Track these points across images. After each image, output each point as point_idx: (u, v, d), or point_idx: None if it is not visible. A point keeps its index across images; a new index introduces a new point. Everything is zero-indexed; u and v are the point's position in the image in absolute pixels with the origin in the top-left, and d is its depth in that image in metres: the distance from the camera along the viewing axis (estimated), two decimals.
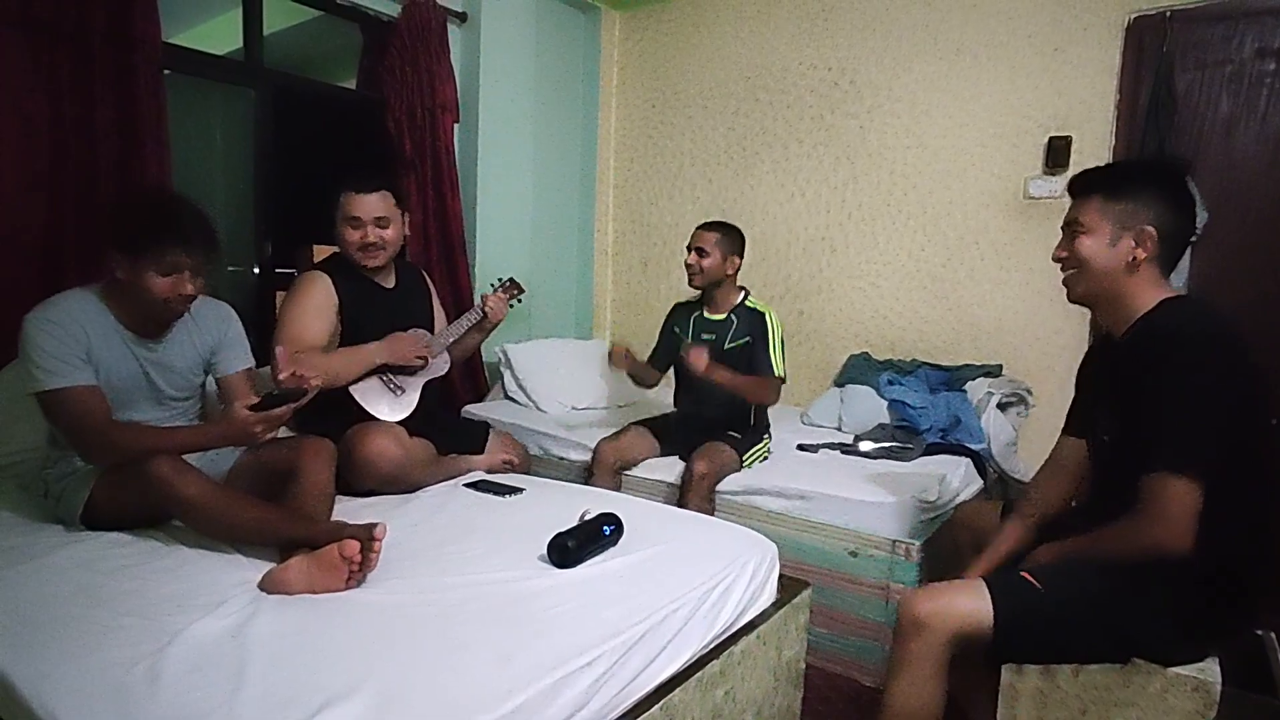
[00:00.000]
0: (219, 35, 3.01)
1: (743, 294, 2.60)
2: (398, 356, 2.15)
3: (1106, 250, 1.39)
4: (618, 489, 2.45)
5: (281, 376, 1.60)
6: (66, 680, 1.06)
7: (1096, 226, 1.40)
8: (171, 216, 1.60)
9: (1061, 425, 1.64)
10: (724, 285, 2.56)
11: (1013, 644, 1.38)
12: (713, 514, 2.27)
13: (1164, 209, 1.37)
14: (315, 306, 2.09)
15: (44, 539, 1.56)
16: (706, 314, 2.61)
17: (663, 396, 3.00)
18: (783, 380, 2.49)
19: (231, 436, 1.60)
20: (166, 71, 2.40)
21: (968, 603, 1.34)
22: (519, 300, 2.53)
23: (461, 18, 3.36)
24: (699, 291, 2.62)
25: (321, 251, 2.71)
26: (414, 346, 2.20)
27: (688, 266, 2.54)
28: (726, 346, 2.51)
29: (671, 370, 2.73)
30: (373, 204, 2.14)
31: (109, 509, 1.60)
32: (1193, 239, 1.46)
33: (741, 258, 2.58)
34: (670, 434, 2.62)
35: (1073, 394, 1.63)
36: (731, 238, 2.54)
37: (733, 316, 2.56)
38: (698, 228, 2.56)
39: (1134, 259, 1.37)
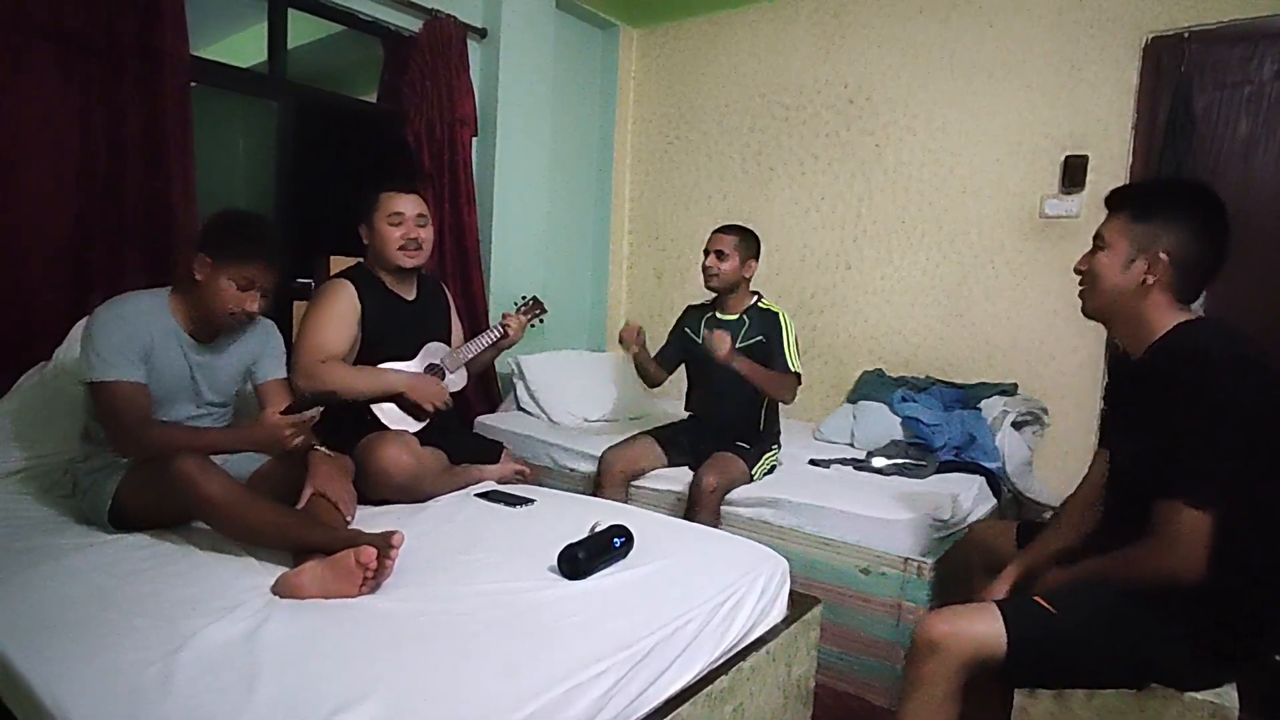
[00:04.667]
0: (244, 49, 3.08)
1: (755, 297, 2.63)
2: (417, 396, 2.14)
3: (1120, 270, 1.39)
4: (625, 500, 2.45)
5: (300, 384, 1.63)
6: (80, 680, 1.07)
7: (1115, 245, 1.40)
8: (261, 235, 1.72)
9: (1077, 444, 1.62)
10: (739, 289, 2.59)
11: (1026, 668, 1.36)
12: (718, 527, 2.26)
13: (1186, 236, 1.34)
14: (339, 314, 2.10)
15: (63, 541, 1.58)
16: (719, 315, 2.63)
17: (674, 409, 3.00)
18: (799, 378, 2.50)
19: (261, 441, 1.65)
20: (193, 84, 2.44)
21: (982, 626, 1.33)
22: (540, 320, 2.53)
23: (481, 34, 3.41)
24: (712, 294, 2.65)
25: (338, 263, 2.73)
26: (437, 394, 2.18)
27: (705, 270, 2.57)
28: (740, 345, 2.50)
29: (684, 374, 2.74)
30: (414, 202, 2.21)
31: (134, 505, 1.63)
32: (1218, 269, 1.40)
33: (757, 261, 2.61)
34: (678, 444, 2.63)
35: (1089, 412, 1.62)
36: (749, 241, 2.58)
37: (745, 317, 2.58)
38: (715, 231, 2.60)
39: (1144, 282, 1.36)
